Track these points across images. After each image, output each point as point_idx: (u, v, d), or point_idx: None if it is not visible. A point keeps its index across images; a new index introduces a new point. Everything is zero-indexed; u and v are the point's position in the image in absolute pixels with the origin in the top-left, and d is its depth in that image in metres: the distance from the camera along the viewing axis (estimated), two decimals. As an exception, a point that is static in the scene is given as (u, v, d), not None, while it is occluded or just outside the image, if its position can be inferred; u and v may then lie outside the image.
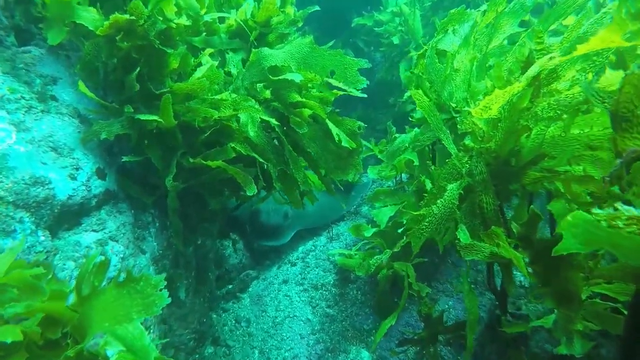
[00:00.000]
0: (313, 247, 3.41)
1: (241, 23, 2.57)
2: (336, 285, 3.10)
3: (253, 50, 2.36)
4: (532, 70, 1.42)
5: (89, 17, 2.03)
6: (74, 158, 1.70)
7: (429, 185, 2.51)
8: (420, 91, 1.64)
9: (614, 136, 1.04)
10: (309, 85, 2.46)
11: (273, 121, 2.18)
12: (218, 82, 2.30)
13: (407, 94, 3.55)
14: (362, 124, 2.47)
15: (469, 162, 1.49)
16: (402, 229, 2.78)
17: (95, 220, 1.73)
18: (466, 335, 1.75)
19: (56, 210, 1.55)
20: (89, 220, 1.71)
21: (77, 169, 1.68)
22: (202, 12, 2.47)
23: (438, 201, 1.52)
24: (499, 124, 1.47)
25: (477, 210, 1.46)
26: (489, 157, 1.48)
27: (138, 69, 2.05)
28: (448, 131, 1.57)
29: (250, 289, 3.32)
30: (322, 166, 2.47)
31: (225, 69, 2.42)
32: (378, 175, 3.26)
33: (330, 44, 3.41)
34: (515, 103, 1.43)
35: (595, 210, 0.86)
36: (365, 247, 3.11)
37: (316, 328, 2.89)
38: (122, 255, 1.77)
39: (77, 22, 1.99)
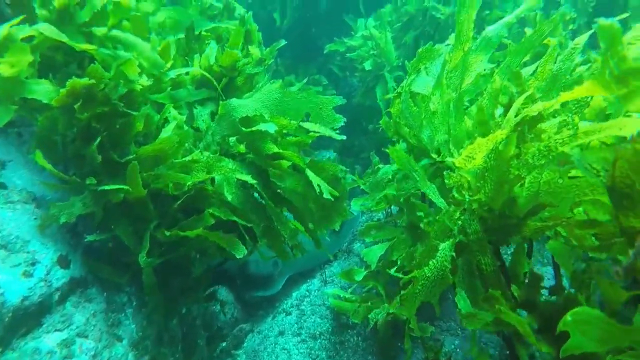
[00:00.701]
0: (307, 293, 3.24)
1: (205, 74, 2.46)
2: (335, 333, 2.93)
3: (221, 102, 2.24)
4: (514, 117, 1.33)
5: (42, 89, 1.89)
6: (28, 252, 1.53)
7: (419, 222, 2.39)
8: (398, 147, 1.54)
9: (617, 214, 0.94)
10: (284, 131, 2.35)
11: (249, 179, 2.04)
12: (187, 140, 2.17)
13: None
14: (343, 167, 2.35)
15: (461, 217, 1.38)
16: (394, 269, 2.64)
17: (58, 317, 1.55)
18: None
19: (7, 319, 1.37)
20: (51, 318, 1.53)
21: (33, 264, 1.51)
22: (168, 64, 2.36)
23: (430, 262, 1.40)
24: (486, 174, 1.37)
25: (476, 272, 1.34)
26: (482, 210, 1.36)
27: (99, 138, 1.91)
28: (434, 186, 1.46)
29: (245, 345, 3.12)
30: (307, 217, 2.33)
31: (194, 125, 2.29)
32: (362, 208, 3.13)
33: (303, 82, 3.33)
34: (502, 152, 1.33)
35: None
36: (360, 289, 2.96)
37: (319, 383, 2.71)
38: (93, 353, 1.59)
39: (29, 97, 1.85)
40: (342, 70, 5.40)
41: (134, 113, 2.03)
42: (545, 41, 2.29)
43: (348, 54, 4.81)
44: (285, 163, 2.22)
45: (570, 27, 2.90)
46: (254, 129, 2.15)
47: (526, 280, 1.39)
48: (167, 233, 1.84)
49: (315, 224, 2.31)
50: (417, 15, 4.63)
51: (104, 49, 2.01)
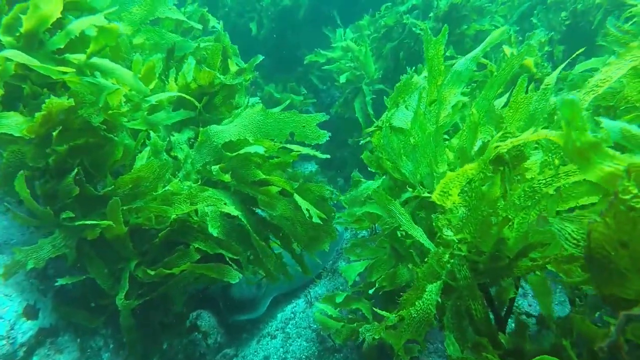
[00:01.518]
0: (292, 315, 3.18)
1: (184, 95, 2.37)
2: (321, 357, 2.88)
3: (201, 129, 2.16)
4: (485, 154, 1.33)
5: (12, 122, 1.75)
6: (-9, 307, 1.41)
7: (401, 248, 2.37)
8: (384, 194, 1.51)
9: (598, 283, 0.95)
10: (266, 155, 2.29)
11: (233, 210, 1.97)
12: (168, 170, 2.07)
13: (366, 139, 3.45)
14: (331, 188, 2.32)
15: (450, 261, 1.36)
16: (373, 290, 2.60)
17: (26, 375, 1.44)
18: None
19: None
20: (18, 378, 1.42)
21: (-4, 321, 1.40)
22: (151, 85, 2.27)
23: (417, 302, 1.38)
24: (468, 213, 1.36)
25: (466, 316, 1.33)
26: (472, 254, 1.35)
27: (76, 169, 1.79)
28: (421, 229, 1.44)
29: (229, 371, 3.03)
30: (295, 241, 2.28)
31: (172, 153, 2.19)
32: (342, 224, 3.09)
33: (287, 102, 3.27)
34: (486, 193, 1.32)
35: None
36: (344, 309, 2.92)
37: (306, 410, 2.65)
38: (67, 410, 1.48)
39: None
40: (322, 81, 5.36)
41: (115, 138, 1.93)
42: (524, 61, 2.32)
43: (326, 67, 4.76)
44: (274, 189, 2.16)
45: (546, 48, 2.96)
46: (240, 152, 2.08)
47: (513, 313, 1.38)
48: (152, 272, 1.75)
49: (304, 246, 2.27)
50: (396, 27, 4.65)
51: (83, 76, 1.90)
